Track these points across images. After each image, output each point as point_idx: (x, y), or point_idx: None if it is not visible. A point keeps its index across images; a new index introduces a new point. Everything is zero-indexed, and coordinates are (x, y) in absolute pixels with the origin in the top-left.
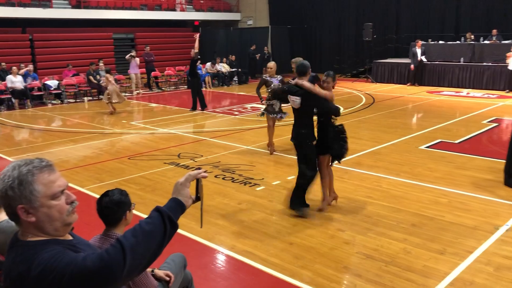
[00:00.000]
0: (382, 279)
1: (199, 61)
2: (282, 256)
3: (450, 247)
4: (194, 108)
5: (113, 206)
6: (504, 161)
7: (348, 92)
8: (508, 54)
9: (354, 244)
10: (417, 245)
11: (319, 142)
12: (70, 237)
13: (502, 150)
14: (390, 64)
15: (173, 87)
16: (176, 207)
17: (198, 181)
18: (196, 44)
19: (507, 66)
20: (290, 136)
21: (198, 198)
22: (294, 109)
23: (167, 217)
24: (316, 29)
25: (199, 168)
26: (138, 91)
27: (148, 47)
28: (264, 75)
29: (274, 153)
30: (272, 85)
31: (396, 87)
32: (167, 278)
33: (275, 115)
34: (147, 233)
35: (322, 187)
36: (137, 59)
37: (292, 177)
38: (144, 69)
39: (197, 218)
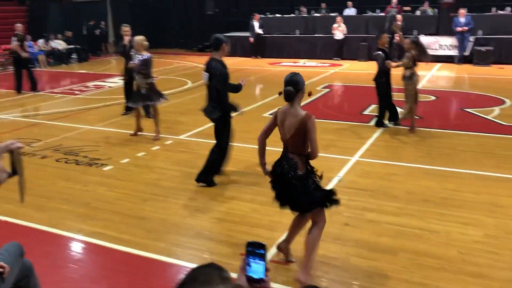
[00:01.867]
0: (233, 239)
1: (29, 38)
2: (134, 232)
3: None
4: (19, 90)
5: None
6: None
7: (194, 66)
8: (334, 26)
9: (206, 210)
10: (263, 203)
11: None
12: None
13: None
14: (233, 37)
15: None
16: None
17: (12, 153)
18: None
19: (333, 36)
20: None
21: (14, 171)
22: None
23: None
24: (160, 3)
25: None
26: None
27: None
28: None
29: (139, 133)
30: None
31: (240, 60)
32: (0, 269)
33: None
34: None
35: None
36: None
37: (142, 154)
38: None
39: (38, 206)
